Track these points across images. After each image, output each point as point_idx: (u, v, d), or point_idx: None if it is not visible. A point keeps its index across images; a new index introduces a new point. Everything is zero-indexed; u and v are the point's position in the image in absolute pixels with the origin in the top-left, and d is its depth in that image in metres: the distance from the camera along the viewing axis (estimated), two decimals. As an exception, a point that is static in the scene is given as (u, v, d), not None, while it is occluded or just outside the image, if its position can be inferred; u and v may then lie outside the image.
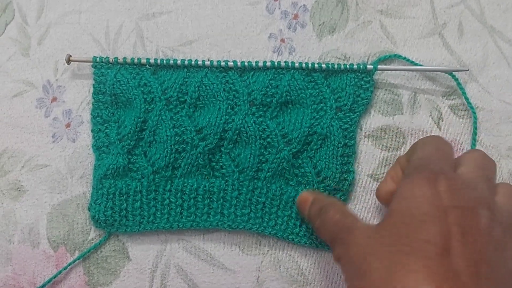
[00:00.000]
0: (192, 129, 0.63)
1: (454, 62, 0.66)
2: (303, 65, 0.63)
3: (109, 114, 0.65)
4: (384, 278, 0.42)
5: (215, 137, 0.63)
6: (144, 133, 0.64)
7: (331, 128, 0.62)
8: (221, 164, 0.63)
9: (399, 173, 0.55)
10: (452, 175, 0.47)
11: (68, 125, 0.67)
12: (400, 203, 0.46)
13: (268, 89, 0.64)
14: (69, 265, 0.63)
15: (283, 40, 0.68)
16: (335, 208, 0.54)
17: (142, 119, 0.63)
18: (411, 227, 0.44)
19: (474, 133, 0.63)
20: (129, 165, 0.63)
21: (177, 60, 0.64)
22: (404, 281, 0.41)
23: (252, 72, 0.65)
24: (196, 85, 0.64)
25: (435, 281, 0.40)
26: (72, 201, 0.65)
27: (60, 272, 0.63)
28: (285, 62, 0.64)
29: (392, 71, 0.66)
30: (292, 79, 0.63)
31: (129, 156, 0.63)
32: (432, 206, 0.44)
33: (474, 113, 0.64)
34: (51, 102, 0.67)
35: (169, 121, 0.63)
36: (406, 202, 0.46)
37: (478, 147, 0.64)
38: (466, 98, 0.64)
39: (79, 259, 0.63)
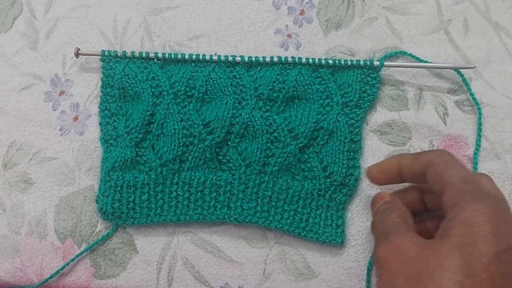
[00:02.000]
0: (200, 122, 0.63)
1: (459, 58, 0.67)
2: (310, 60, 0.64)
3: (117, 107, 0.65)
4: None
5: (222, 131, 0.63)
6: (152, 126, 0.64)
7: (337, 123, 0.63)
8: (228, 157, 0.64)
9: (395, 166, 0.56)
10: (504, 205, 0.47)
11: (75, 118, 0.67)
12: (463, 230, 0.45)
13: (275, 84, 0.64)
14: (76, 257, 0.63)
15: (289, 36, 0.69)
16: (399, 213, 0.53)
17: (150, 112, 0.64)
18: (476, 261, 0.43)
19: (479, 129, 0.64)
20: (137, 158, 0.64)
21: (185, 54, 0.65)
22: None
23: (259, 67, 0.65)
24: (203, 80, 0.64)
25: None
26: (80, 194, 0.65)
27: (67, 264, 0.63)
28: (292, 57, 0.64)
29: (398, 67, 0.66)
30: (299, 75, 0.64)
31: (137, 149, 0.64)
32: (498, 243, 0.43)
33: (479, 108, 0.64)
34: (59, 95, 0.68)
35: (176, 115, 0.64)
36: (470, 231, 0.44)
37: (483, 142, 0.64)
38: (471, 94, 0.65)
39: (86, 251, 0.64)
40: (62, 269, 0.63)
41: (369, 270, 0.62)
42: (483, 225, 0.44)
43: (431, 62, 0.66)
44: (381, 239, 0.50)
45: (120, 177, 0.63)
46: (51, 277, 0.63)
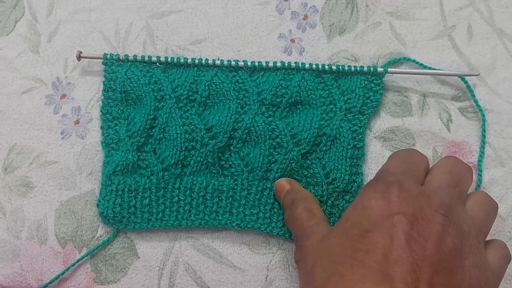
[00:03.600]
0: (202, 127, 0.63)
1: (463, 64, 0.66)
2: (313, 66, 0.64)
3: (119, 111, 0.65)
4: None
5: (225, 135, 0.63)
6: (154, 130, 0.64)
7: (340, 129, 0.63)
8: (230, 163, 0.63)
9: None
10: (408, 186, 0.47)
11: (77, 122, 0.67)
12: (351, 213, 0.47)
13: (278, 89, 0.64)
14: (77, 262, 0.63)
15: (292, 40, 0.68)
16: (305, 205, 0.55)
17: (152, 116, 0.63)
18: (356, 237, 0.44)
19: (483, 135, 0.64)
20: (139, 162, 0.63)
21: (187, 58, 0.64)
22: None
23: (262, 72, 0.65)
24: (206, 84, 0.64)
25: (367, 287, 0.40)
26: (81, 198, 0.65)
27: (68, 269, 0.63)
28: (295, 62, 0.64)
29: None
30: (302, 80, 0.64)
31: (139, 153, 0.63)
32: (379, 216, 0.44)
33: (483, 115, 0.64)
34: (60, 99, 0.67)
35: (179, 119, 0.63)
36: (357, 213, 0.46)
37: (487, 149, 0.64)
38: (475, 101, 0.64)
39: (87, 256, 0.63)
40: (62, 274, 0.63)
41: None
42: (367, 205, 0.46)
43: (435, 69, 0.65)
44: (295, 242, 0.54)
45: (122, 182, 0.63)
46: (51, 282, 0.62)
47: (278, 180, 0.62)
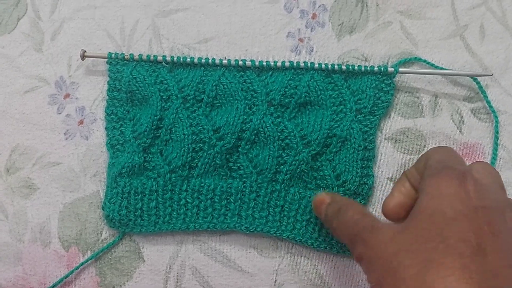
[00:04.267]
0: (210, 128, 0.62)
1: (475, 65, 0.65)
2: (323, 66, 0.62)
3: (124, 111, 0.63)
4: (419, 276, 0.41)
5: (233, 136, 0.61)
6: (160, 131, 0.62)
7: (351, 130, 0.61)
8: (238, 164, 0.62)
9: (407, 185, 0.53)
10: (478, 176, 0.47)
11: (81, 122, 0.65)
12: (428, 202, 0.46)
13: (286, 90, 0.63)
14: (81, 265, 0.61)
15: (301, 40, 0.67)
16: (354, 209, 0.53)
17: (158, 117, 0.62)
18: (444, 225, 0.43)
19: (496, 137, 0.63)
20: (145, 164, 0.62)
21: (194, 58, 0.63)
22: (441, 279, 0.40)
23: (270, 72, 0.64)
24: (213, 84, 0.63)
25: (473, 280, 0.39)
26: (85, 200, 0.63)
27: (71, 273, 0.61)
28: (304, 62, 0.62)
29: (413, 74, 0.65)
30: (312, 80, 0.62)
31: (145, 155, 0.62)
32: (463, 205, 0.44)
33: (496, 116, 0.63)
34: (64, 98, 0.66)
35: (186, 120, 0.62)
36: (435, 201, 0.45)
37: (500, 150, 0.63)
38: (488, 102, 0.63)
39: (91, 259, 0.62)
40: (65, 277, 0.61)
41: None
42: (446, 193, 0.45)
43: (446, 69, 0.64)
44: (353, 241, 0.50)
45: (128, 184, 0.61)
46: (54, 286, 0.61)
47: (316, 195, 0.59)
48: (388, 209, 0.53)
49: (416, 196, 0.52)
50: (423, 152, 0.62)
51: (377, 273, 0.45)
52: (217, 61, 0.63)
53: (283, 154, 0.62)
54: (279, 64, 0.63)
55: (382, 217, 0.61)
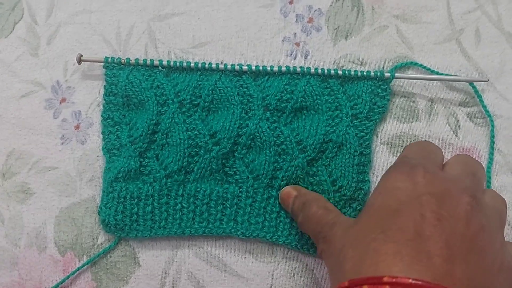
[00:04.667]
0: (206, 133, 0.62)
1: (471, 69, 0.65)
2: (319, 70, 0.62)
3: (120, 116, 0.63)
4: (357, 265, 0.42)
5: (229, 141, 0.61)
6: (156, 136, 0.62)
7: (347, 136, 0.61)
8: (234, 169, 0.62)
9: None
10: (432, 169, 0.48)
11: (77, 127, 0.65)
12: (377, 197, 0.48)
13: (283, 94, 0.63)
14: (77, 270, 0.61)
15: (297, 44, 0.67)
16: (318, 204, 0.55)
17: (154, 121, 0.62)
18: (386, 217, 0.44)
19: (492, 142, 0.63)
20: (141, 168, 0.62)
21: (190, 62, 0.63)
22: (374, 266, 0.41)
23: (267, 77, 0.64)
24: (209, 89, 0.63)
25: (405, 262, 0.40)
26: (81, 205, 0.63)
27: (67, 278, 0.61)
28: (300, 67, 0.62)
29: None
30: (308, 85, 0.62)
31: (141, 159, 0.62)
32: (407, 196, 0.45)
33: (492, 121, 0.63)
34: (60, 103, 0.66)
35: (182, 124, 0.62)
36: (383, 196, 0.47)
37: (496, 155, 0.63)
38: (484, 106, 0.63)
39: (87, 264, 0.62)
40: (62, 282, 0.61)
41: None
42: (392, 187, 0.47)
43: (442, 73, 0.64)
44: (316, 238, 0.53)
45: (124, 188, 0.61)
46: (50, 291, 0.61)
47: (283, 188, 0.60)
48: None
49: None
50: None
51: (330, 267, 0.48)
52: (213, 66, 0.63)
53: (279, 159, 0.62)
54: (275, 68, 0.63)
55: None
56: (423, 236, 0.41)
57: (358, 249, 0.44)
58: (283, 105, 0.63)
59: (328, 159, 0.62)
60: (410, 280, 0.38)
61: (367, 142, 0.62)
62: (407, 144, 0.62)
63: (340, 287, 0.41)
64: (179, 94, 0.63)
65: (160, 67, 0.63)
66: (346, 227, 0.48)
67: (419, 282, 0.38)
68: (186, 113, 0.63)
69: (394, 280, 0.38)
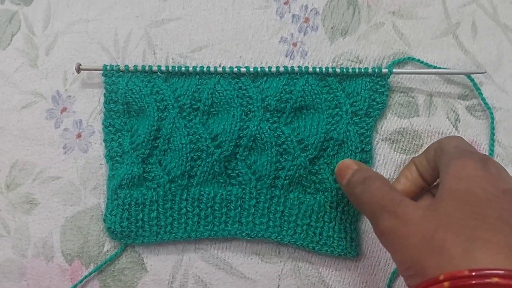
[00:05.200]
0: (207, 136, 0.62)
1: (469, 62, 0.66)
2: (317, 69, 0.63)
3: (122, 123, 0.64)
4: (468, 253, 0.40)
5: (231, 144, 0.62)
6: (158, 141, 0.63)
7: (347, 133, 0.62)
8: (237, 171, 0.62)
9: (414, 172, 0.53)
10: (495, 162, 0.48)
11: (79, 136, 0.66)
12: (458, 183, 0.45)
13: (282, 95, 0.63)
14: (84, 278, 0.62)
15: (294, 44, 0.67)
16: (383, 180, 0.51)
17: (155, 127, 0.62)
18: (479, 204, 0.43)
19: (492, 134, 0.63)
20: (144, 175, 0.62)
21: (189, 67, 0.63)
22: (490, 257, 0.39)
23: (265, 78, 0.64)
24: (209, 92, 0.63)
25: None
26: (86, 213, 0.64)
27: (75, 286, 0.62)
28: (298, 67, 0.63)
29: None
30: (306, 84, 0.63)
31: (144, 165, 0.62)
32: (493, 187, 0.44)
33: (491, 113, 0.63)
34: (61, 112, 0.66)
35: (183, 129, 0.62)
36: (464, 182, 0.45)
37: (496, 147, 0.63)
38: (483, 99, 0.64)
39: (95, 271, 0.62)
40: (70, 291, 0.62)
41: (390, 282, 0.61)
42: (474, 175, 0.45)
43: (440, 67, 0.64)
44: (378, 211, 0.48)
45: (128, 195, 0.61)
46: (59, 300, 0.62)
47: (342, 160, 0.57)
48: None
49: (423, 184, 0.53)
50: (419, 152, 0.63)
51: (415, 250, 0.44)
52: (211, 69, 0.63)
53: (281, 159, 0.62)
54: (273, 69, 0.63)
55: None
56: None
57: (462, 236, 0.41)
58: (282, 105, 0.63)
59: (330, 157, 0.62)
60: None
61: (368, 139, 0.62)
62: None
63: (458, 276, 0.39)
64: (179, 99, 0.63)
65: (159, 73, 0.64)
66: (426, 208, 0.45)
67: None
68: (187, 117, 0.63)
69: None
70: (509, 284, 0.37)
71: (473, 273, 0.38)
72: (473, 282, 0.38)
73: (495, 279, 0.38)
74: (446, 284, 0.39)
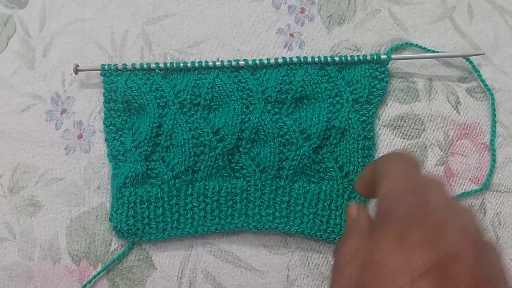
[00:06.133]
0: (209, 130, 0.62)
1: (466, 45, 0.66)
2: (316, 59, 0.63)
3: (122, 121, 0.63)
4: None
5: (233, 137, 0.62)
6: (160, 138, 0.62)
7: (349, 121, 0.62)
8: (241, 164, 0.62)
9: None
10: (422, 212, 0.38)
11: (80, 136, 0.65)
12: (371, 271, 0.38)
13: (282, 86, 0.63)
14: (93, 278, 0.61)
15: (292, 35, 0.67)
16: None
17: (157, 124, 0.62)
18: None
19: (493, 115, 0.63)
20: (148, 172, 0.62)
21: (187, 62, 0.63)
22: None
23: (264, 70, 0.64)
24: (208, 87, 0.63)
25: None
26: (91, 213, 0.63)
27: (84, 286, 0.61)
28: (297, 57, 0.63)
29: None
30: (306, 74, 0.63)
31: (147, 163, 0.62)
32: (406, 276, 0.35)
33: (492, 94, 0.63)
34: (61, 114, 0.66)
35: (184, 125, 0.62)
36: (377, 271, 0.37)
37: (498, 128, 0.63)
38: (482, 80, 0.64)
39: (103, 271, 0.62)
40: (79, 292, 0.62)
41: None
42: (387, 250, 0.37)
43: (438, 51, 0.65)
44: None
45: (133, 193, 0.61)
46: (68, 301, 0.61)
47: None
48: (358, 188, 0.48)
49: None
50: (421, 137, 0.63)
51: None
52: (210, 64, 0.63)
53: (284, 150, 0.62)
54: (272, 61, 0.63)
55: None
56: None
57: None
58: (283, 96, 0.63)
59: (333, 146, 0.62)
60: None
61: (369, 126, 0.62)
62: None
63: None
64: (178, 94, 0.63)
65: (157, 70, 0.64)
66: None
67: None
68: (188, 113, 0.63)
69: None
70: None
71: None
72: None
73: None
74: None
